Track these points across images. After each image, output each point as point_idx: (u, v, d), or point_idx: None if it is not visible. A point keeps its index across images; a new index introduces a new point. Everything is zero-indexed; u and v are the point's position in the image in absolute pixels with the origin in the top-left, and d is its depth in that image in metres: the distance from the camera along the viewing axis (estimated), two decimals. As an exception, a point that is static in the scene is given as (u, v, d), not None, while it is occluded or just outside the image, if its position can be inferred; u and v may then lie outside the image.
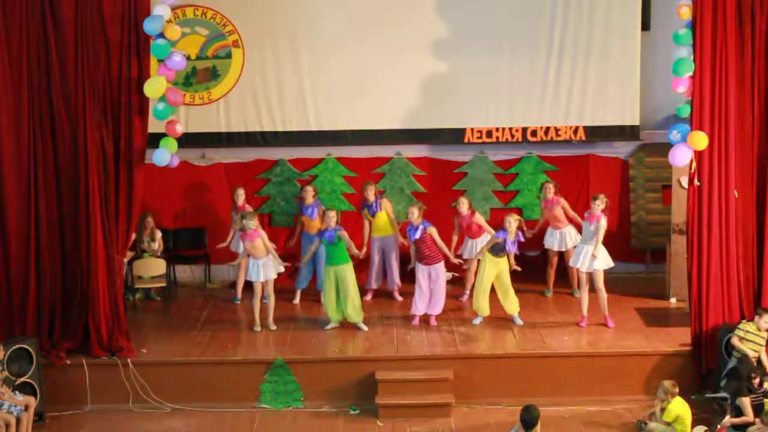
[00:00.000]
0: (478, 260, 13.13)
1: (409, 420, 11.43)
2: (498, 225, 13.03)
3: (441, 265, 12.79)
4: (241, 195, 13.88)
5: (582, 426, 11.26)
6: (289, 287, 13.96)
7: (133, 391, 11.85)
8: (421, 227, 12.59)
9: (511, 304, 12.86)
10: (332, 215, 12.60)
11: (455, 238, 13.59)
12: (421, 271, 12.76)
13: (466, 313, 13.31)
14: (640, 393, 11.64)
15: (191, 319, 13.32)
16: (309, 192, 13.77)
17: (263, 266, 12.65)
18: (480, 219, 13.45)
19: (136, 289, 13.94)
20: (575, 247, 13.18)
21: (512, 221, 12.55)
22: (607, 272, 14.78)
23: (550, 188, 13.65)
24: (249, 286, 13.68)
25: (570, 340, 12.32)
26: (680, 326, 12.40)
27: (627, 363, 11.89)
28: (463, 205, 13.45)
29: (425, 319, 12.90)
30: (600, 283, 12.58)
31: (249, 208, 13.62)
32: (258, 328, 12.81)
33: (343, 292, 12.63)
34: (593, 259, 12.49)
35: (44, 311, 12.12)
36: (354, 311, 12.71)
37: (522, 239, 12.76)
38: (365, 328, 12.75)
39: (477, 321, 12.92)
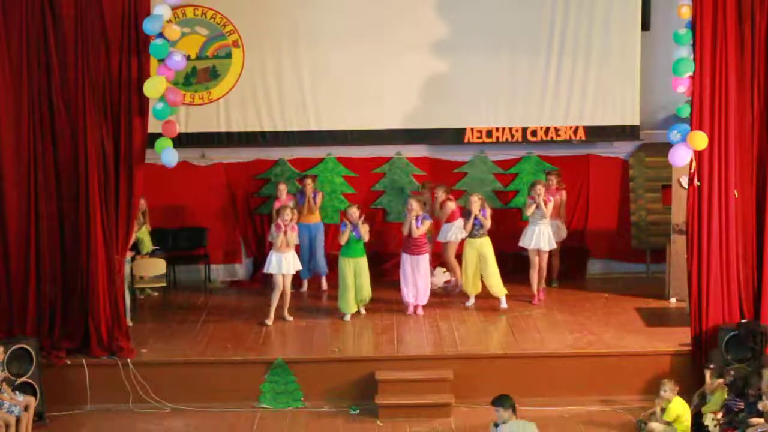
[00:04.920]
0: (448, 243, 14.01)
1: (409, 420, 11.41)
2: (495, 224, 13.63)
3: (426, 257, 13.22)
4: (283, 190, 14.07)
5: (582, 426, 11.24)
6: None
7: (133, 391, 11.84)
8: (422, 218, 13.09)
9: (496, 287, 13.30)
10: (355, 210, 13.03)
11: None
12: (409, 262, 13.12)
13: (465, 313, 13.34)
14: (640, 393, 11.63)
15: (191, 319, 13.33)
16: (309, 184, 14.07)
17: (285, 259, 12.93)
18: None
19: (135, 289, 13.92)
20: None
21: (476, 200, 13.18)
22: (607, 272, 14.95)
23: (553, 180, 13.93)
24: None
25: (570, 339, 12.34)
26: (680, 326, 12.38)
27: (627, 363, 11.88)
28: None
29: (416, 310, 13.25)
30: (544, 262, 13.54)
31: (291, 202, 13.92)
32: (270, 322, 12.94)
33: (357, 283, 13.08)
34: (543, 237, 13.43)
35: (44, 311, 12.11)
36: (366, 297, 13.23)
37: (485, 215, 13.21)
38: (364, 312, 13.24)
39: (469, 303, 13.49)
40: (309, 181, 14.10)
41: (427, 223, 13.15)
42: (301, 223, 13.96)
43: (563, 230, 14.26)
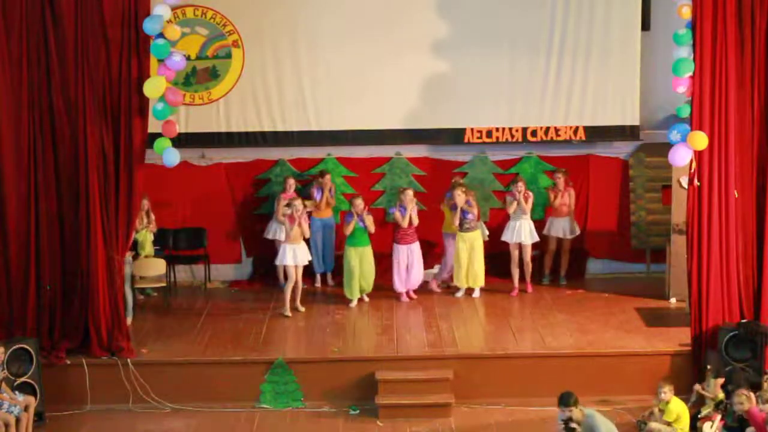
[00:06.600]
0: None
1: (409, 420, 11.41)
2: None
3: (418, 243, 13.75)
4: (292, 184, 14.32)
5: (582, 426, 11.24)
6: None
7: (133, 391, 11.84)
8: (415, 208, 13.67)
9: (474, 277, 13.80)
10: (360, 202, 13.38)
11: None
12: (405, 251, 13.66)
13: (465, 313, 13.36)
14: (640, 393, 11.60)
15: (191, 319, 13.33)
16: (328, 179, 14.36)
17: (299, 250, 13.22)
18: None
19: (135, 289, 13.91)
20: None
21: (459, 192, 13.56)
22: (607, 272, 14.95)
23: (560, 178, 14.27)
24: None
25: (571, 338, 12.34)
26: (680, 326, 12.39)
27: (627, 363, 11.88)
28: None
29: (409, 295, 13.76)
30: (528, 256, 13.89)
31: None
32: (288, 313, 13.17)
33: (361, 270, 13.53)
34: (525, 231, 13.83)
35: (44, 311, 12.11)
36: (370, 284, 13.70)
37: (471, 206, 13.62)
38: (367, 299, 13.73)
39: (458, 294, 13.93)
40: (328, 177, 14.37)
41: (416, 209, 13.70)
42: (315, 217, 14.24)
43: (575, 227, 14.44)
